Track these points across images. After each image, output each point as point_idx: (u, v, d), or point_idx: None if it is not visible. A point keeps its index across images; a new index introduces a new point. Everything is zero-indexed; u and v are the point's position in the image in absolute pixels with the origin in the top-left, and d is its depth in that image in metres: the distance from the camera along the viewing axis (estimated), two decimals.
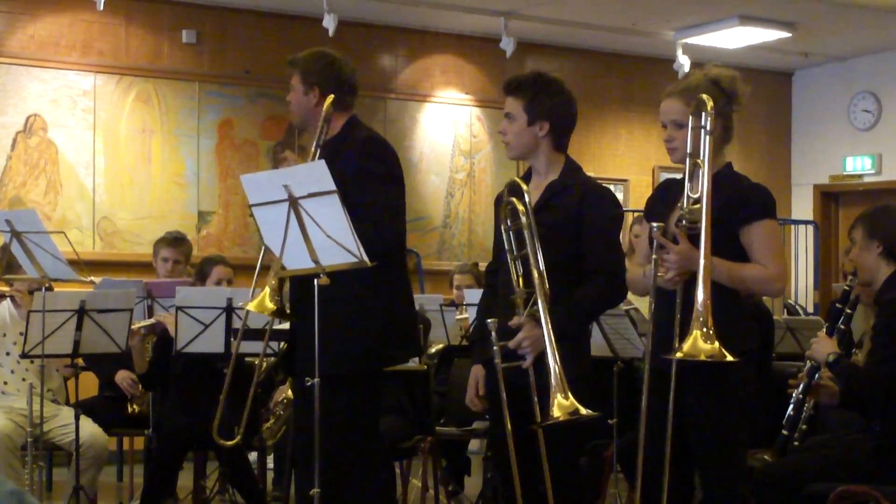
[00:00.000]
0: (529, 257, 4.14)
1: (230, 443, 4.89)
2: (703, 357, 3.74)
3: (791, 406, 4.57)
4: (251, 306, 4.37)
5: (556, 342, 4.03)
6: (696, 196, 3.90)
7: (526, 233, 4.16)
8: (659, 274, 3.91)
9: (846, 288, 4.66)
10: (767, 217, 4.00)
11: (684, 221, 3.91)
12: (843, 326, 4.65)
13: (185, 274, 7.22)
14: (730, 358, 3.76)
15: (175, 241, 7.24)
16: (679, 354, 3.78)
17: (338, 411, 4.38)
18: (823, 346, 4.56)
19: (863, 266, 4.72)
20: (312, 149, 4.51)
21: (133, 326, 5.96)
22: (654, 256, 3.91)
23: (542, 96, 4.33)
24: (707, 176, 3.88)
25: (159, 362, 6.40)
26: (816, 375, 4.58)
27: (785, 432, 4.57)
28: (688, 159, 3.95)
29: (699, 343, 3.75)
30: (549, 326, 4.04)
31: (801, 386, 4.59)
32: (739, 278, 3.95)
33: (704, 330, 3.75)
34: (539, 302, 4.08)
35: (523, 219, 4.16)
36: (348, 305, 4.40)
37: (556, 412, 3.98)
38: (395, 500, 5.01)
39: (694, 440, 3.99)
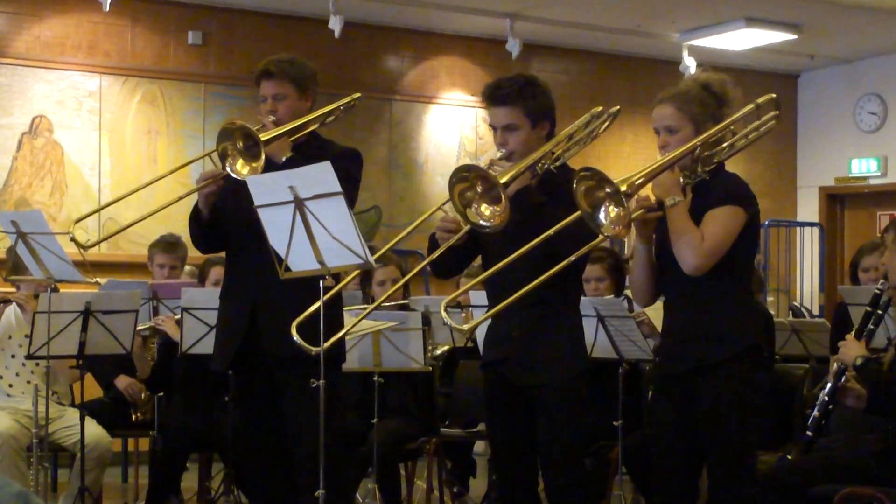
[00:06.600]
0: None
1: None
2: None
3: (816, 409, 4.50)
4: None
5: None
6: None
7: None
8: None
9: (877, 291, 4.60)
10: (730, 203, 3.97)
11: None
12: (872, 327, 4.57)
13: (187, 276, 7.19)
14: None
15: (170, 245, 6.99)
16: None
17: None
18: (851, 349, 4.49)
19: (893, 269, 4.66)
20: None
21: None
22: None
23: (539, 97, 4.29)
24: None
25: (164, 365, 6.41)
26: (843, 378, 4.51)
27: (810, 433, 4.51)
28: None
29: None
30: None
31: (828, 388, 4.51)
32: (683, 230, 3.91)
33: None
34: None
35: None
36: None
37: None
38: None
39: (704, 441, 4.00)
